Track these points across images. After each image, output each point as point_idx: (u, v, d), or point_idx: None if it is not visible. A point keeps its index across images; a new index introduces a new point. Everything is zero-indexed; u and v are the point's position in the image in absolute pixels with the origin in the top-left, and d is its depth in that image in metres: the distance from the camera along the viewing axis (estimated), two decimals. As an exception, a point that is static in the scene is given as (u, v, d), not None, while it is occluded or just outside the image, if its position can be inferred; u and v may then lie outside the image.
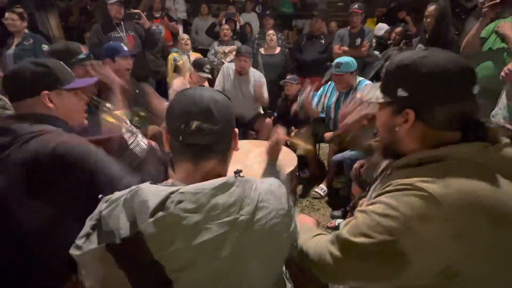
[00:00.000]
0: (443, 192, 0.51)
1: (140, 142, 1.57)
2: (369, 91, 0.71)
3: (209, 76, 2.50)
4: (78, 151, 0.77)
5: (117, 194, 0.53)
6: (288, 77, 2.67)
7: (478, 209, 0.51)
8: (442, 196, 0.51)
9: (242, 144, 2.09)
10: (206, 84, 2.76)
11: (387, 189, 0.59)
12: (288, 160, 1.75)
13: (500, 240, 0.51)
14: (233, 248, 0.47)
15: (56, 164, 0.74)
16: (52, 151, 0.74)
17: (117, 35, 2.60)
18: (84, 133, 0.92)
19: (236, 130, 0.65)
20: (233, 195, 0.50)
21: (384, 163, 0.78)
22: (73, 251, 0.49)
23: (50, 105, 0.84)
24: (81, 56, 1.34)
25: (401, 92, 0.60)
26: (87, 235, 0.50)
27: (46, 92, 0.84)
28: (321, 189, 2.36)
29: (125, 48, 1.86)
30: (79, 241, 0.50)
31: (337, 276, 0.63)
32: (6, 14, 2.58)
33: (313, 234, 0.71)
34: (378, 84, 0.70)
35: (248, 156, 1.86)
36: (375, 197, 0.61)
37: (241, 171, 0.54)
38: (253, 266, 0.51)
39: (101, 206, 0.53)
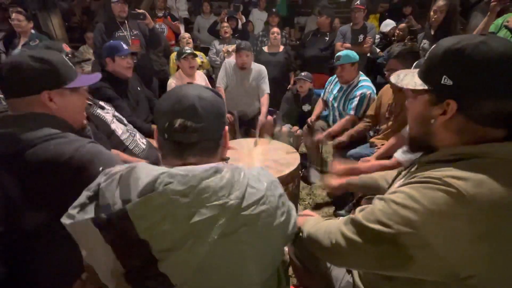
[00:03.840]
0: (474, 191, 0.47)
1: (139, 142, 1.58)
2: (406, 75, 0.64)
3: (193, 52, 2.48)
4: (95, 158, 0.75)
5: (117, 168, 0.53)
6: (302, 74, 2.65)
7: (510, 214, 0.47)
8: (473, 195, 0.47)
9: (244, 142, 2.09)
10: (201, 74, 2.76)
11: (410, 180, 0.55)
12: (290, 158, 1.75)
13: None
14: (221, 232, 0.47)
15: (73, 172, 0.72)
16: (69, 159, 0.71)
17: (121, 34, 2.59)
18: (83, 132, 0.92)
19: (227, 128, 0.64)
20: (223, 179, 0.49)
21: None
22: (64, 220, 0.49)
23: (51, 105, 0.78)
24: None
25: (445, 80, 0.53)
26: (82, 205, 0.50)
27: (47, 91, 0.78)
28: None
29: (125, 47, 1.86)
30: (72, 211, 0.49)
31: (347, 258, 0.60)
32: (13, 15, 2.60)
33: (322, 220, 0.70)
34: (415, 70, 0.63)
35: (250, 154, 1.86)
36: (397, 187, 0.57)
37: (228, 158, 0.54)
38: (240, 252, 0.50)
39: (100, 178, 0.52)
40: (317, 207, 2.20)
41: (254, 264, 0.52)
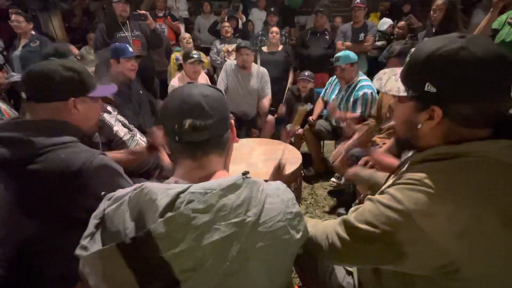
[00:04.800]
0: (450, 190, 0.50)
1: (140, 141, 1.60)
2: (388, 79, 0.64)
3: (200, 58, 2.48)
4: (103, 171, 0.78)
5: (120, 191, 0.52)
6: (306, 74, 2.65)
7: (489, 210, 0.49)
8: (449, 194, 0.50)
9: (246, 142, 2.09)
10: (203, 74, 2.76)
11: (396, 181, 0.58)
12: (292, 158, 1.75)
13: (510, 242, 0.49)
14: (240, 249, 0.47)
15: (80, 182, 0.74)
16: (78, 169, 0.73)
17: (122, 34, 2.57)
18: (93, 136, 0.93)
19: (232, 121, 0.64)
20: (241, 196, 0.49)
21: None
22: (79, 252, 0.49)
23: (74, 111, 0.84)
24: (70, 58, 1.35)
25: (429, 88, 0.53)
26: (92, 235, 0.50)
27: (73, 98, 0.83)
28: (336, 177, 2.37)
29: (130, 50, 1.87)
30: (84, 241, 0.49)
31: (342, 257, 0.63)
32: (13, 16, 2.60)
33: (320, 222, 0.72)
34: (398, 71, 0.62)
35: (252, 154, 1.86)
36: (386, 187, 0.60)
37: (248, 172, 0.54)
38: (257, 268, 0.50)
39: (104, 204, 0.52)
40: (318, 206, 2.20)
41: (268, 280, 0.52)
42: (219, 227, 0.47)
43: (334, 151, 1.14)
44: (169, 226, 0.45)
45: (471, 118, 0.53)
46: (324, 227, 0.66)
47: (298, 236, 0.55)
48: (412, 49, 0.60)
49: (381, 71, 0.69)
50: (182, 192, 0.48)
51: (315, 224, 0.70)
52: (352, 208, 0.63)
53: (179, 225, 0.46)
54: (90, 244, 0.49)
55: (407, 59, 0.59)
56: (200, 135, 0.55)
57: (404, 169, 0.66)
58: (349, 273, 0.87)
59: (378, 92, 2.17)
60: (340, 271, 0.87)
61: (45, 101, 0.81)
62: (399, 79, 0.61)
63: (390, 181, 0.64)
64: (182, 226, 0.46)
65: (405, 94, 0.58)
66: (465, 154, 0.53)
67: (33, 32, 2.72)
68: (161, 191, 0.49)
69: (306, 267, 0.89)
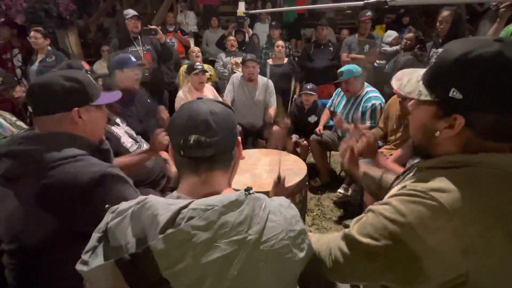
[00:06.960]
0: (457, 204, 0.47)
1: None
2: (409, 81, 0.59)
3: (203, 68, 2.54)
4: (112, 184, 0.78)
5: (124, 205, 0.52)
6: (308, 87, 2.69)
7: (497, 227, 0.46)
8: (456, 209, 0.47)
9: (252, 153, 2.09)
10: (209, 86, 2.82)
11: (400, 191, 0.55)
12: (297, 169, 1.74)
13: None
14: (241, 268, 0.46)
15: (89, 195, 0.74)
16: (87, 183, 0.74)
17: (134, 49, 2.69)
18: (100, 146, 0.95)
19: (239, 138, 0.64)
20: (243, 213, 0.49)
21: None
22: (79, 267, 0.48)
23: (79, 121, 0.84)
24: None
25: (454, 94, 0.49)
26: (94, 248, 0.50)
27: (77, 108, 0.83)
28: (343, 187, 2.35)
29: (133, 59, 1.93)
30: (85, 256, 0.49)
31: (347, 273, 0.59)
32: (32, 33, 2.76)
33: (323, 236, 0.69)
34: (420, 73, 0.58)
35: (257, 165, 1.86)
36: (389, 196, 0.57)
37: (251, 188, 0.53)
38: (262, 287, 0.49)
39: (108, 217, 0.52)
40: (325, 218, 2.17)
41: None
42: (219, 245, 0.46)
43: (340, 150, 1.08)
44: (169, 243, 0.45)
45: (495, 131, 0.49)
46: (328, 241, 0.64)
47: (301, 255, 0.53)
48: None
49: (401, 71, 0.64)
50: (184, 208, 0.48)
51: (319, 239, 0.67)
52: (355, 219, 0.61)
53: (178, 242, 0.45)
54: (92, 259, 0.48)
55: (433, 60, 0.54)
56: (204, 151, 0.55)
57: (411, 174, 0.64)
58: None
59: (386, 101, 2.16)
60: None
61: (49, 113, 0.82)
62: (421, 81, 0.56)
63: (395, 188, 0.62)
64: (181, 243, 0.45)
65: (426, 98, 0.54)
66: (476, 164, 0.51)
67: (49, 48, 2.87)
68: (163, 206, 0.48)
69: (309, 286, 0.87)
